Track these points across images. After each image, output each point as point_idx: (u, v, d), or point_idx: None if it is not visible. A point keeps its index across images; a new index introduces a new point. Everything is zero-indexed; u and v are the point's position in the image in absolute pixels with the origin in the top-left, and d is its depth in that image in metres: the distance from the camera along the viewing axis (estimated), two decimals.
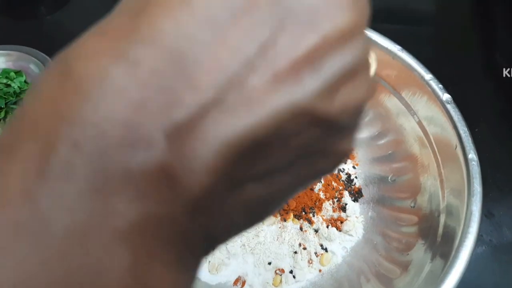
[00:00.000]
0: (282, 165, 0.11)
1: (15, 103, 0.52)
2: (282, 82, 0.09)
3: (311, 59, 0.09)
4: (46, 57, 0.53)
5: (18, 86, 0.53)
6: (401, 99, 0.41)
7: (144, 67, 0.09)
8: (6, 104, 0.52)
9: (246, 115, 0.09)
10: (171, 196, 0.09)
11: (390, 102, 0.42)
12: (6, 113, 0.51)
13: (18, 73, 0.54)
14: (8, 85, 0.53)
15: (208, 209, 0.10)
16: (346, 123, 0.11)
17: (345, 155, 0.12)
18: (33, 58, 0.54)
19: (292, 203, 0.41)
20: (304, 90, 0.09)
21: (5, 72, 0.54)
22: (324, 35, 0.10)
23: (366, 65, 0.11)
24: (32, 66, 0.54)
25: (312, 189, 0.42)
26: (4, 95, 0.52)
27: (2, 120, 0.51)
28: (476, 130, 0.46)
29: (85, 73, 0.09)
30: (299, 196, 0.41)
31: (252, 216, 0.12)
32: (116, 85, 0.09)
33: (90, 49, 0.10)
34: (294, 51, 0.09)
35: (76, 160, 0.09)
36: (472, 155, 0.32)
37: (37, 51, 0.54)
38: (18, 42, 0.56)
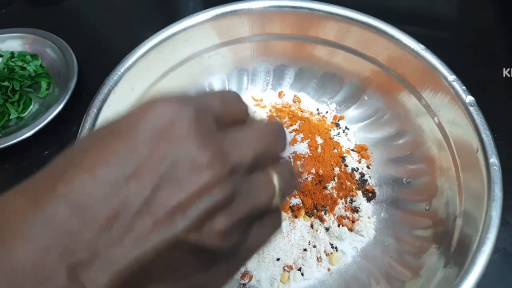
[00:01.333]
0: (172, 278, 0.15)
1: (29, 86, 0.52)
2: (161, 224, 0.14)
3: (180, 206, 0.14)
4: (63, 41, 0.53)
5: (34, 70, 0.53)
6: (421, 99, 0.40)
7: (56, 219, 0.13)
8: (21, 87, 0.52)
9: (134, 249, 0.13)
10: None
11: (410, 102, 0.41)
12: (20, 95, 0.51)
13: (34, 56, 0.54)
14: (23, 68, 0.53)
15: None
16: (224, 245, 0.15)
17: (239, 264, 0.17)
18: (50, 42, 0.53)
19: (308, 200, 0.40)
20: (175, 228, 0.14)
21: (21, 55, 0.54)
22: (188, 191, 0.14)
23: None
24: (48, 50, 0.54)
25: (325, 187, 0.41)
26: (19, 77, 0.52)
27: (16, 103, 0.51)
28: (495, 135, 0.45)
29: (5, 225, 0.13)
30: (314, 193, 0.40)
31: None
32: (29, 234, 0.12)
33: (11, 203, 0.13)
34: (168, 203, 0.14)
35: None
36: (494, 160, 0.31)
37: (53, 35, 0.54)
38: (36, 26, 0.56)
